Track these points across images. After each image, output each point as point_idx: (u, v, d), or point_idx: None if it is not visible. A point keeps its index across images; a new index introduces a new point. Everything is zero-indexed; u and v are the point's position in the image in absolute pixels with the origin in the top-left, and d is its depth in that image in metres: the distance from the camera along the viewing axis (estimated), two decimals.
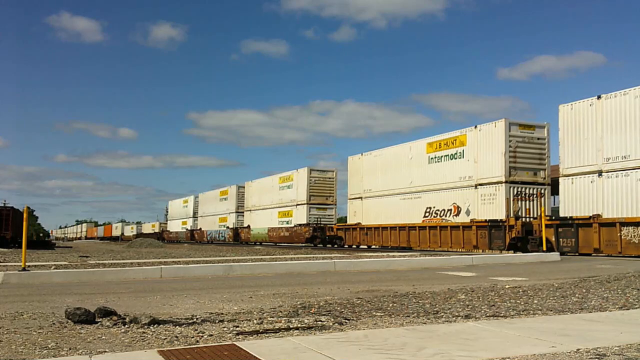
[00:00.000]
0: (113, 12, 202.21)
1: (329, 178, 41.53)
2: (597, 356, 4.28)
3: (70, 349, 4.85)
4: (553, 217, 22.08)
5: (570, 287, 9.46)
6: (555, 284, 9.92)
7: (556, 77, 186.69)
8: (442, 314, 6.74)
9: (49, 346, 4.95)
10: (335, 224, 39.05)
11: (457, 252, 24.73)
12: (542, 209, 21.01)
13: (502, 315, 6.59)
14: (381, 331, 5.54)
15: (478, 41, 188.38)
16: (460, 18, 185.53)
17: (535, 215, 22.92)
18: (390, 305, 7.56)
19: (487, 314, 6.65)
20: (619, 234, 18.95)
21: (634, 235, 18.55)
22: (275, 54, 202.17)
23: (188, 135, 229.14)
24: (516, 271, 13.80)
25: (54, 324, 6.15)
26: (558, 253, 19.13)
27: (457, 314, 6.70)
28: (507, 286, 9.74)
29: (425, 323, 6.03)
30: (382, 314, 6.74)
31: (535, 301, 7.80)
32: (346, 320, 6.23)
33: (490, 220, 24.03)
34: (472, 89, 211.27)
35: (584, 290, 8.89)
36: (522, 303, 7.63)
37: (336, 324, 5.99)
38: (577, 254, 20.12)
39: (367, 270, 14.72)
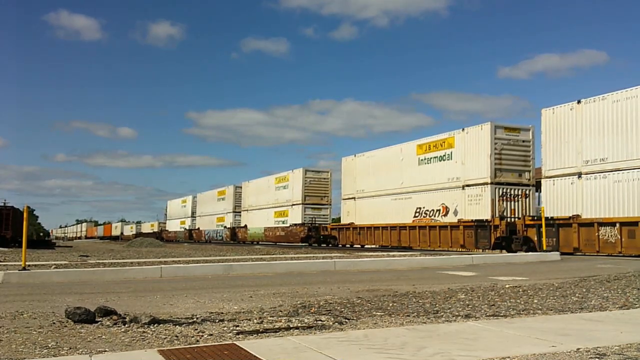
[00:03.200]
0: (112, 10, 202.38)
1: (324, 178, 41.92)
2: (597, 356, 4.28)
3: (70, 348, 4.85)
4: (535, 217, 22.67)
5: (571, 286, 9.46)
6: (556, 284, 9.92)
7: (558, 76, 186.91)
8: (442, 313, 6.74)
9: (49, 345, 4.95)
10: (329, 224, 39.48)
11: (447, 251, 25.12)
12: (542, 208, 21.03)
13: (502, 314, 6.59)
14: (381, 331, 5.54)
15: (480, 39, 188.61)
16: (463, 16, 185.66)
17: (519, 216, 23.48)
18: (390, 304, 7.56)
19: (487, 314, 6.65)
20: (596, 234, 19.55)
21: (611, 235, 19.14)
22: (275, 52, 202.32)
23: (188, 135, 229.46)
24: (516, 271, 13.80)
25: (54, 323, 6.15)
26: (558, 253, 19.17)
27: (457, 313, 6.70)
28: (507, 286, 9.75)
29: (425, 323, 6.03)
30: (382, 314, 6.74)
31: (535, 301, 7.80)
32: (346, 320, 6.23)
33: (476, 220, 24.52)
34: (473, 88, 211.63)
35: (584, 290, 8.89)
36: (522, 302, 7.63)
37: (336, 323, 5.99)
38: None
39: (367, 269, 14.72)
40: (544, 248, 19.60)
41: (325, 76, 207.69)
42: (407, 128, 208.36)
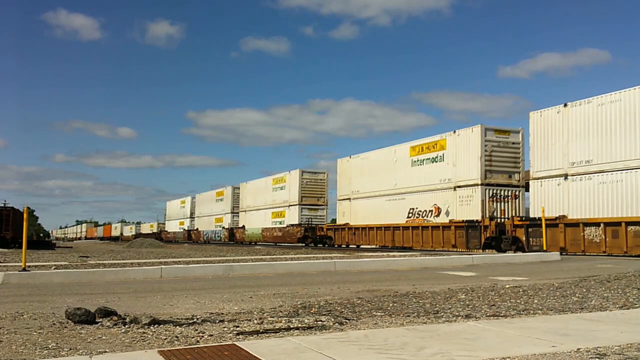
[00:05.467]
0: (110, 9, 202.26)
1: (320, 180, 42.34)
2: (598, 356, 4.28)
3: (70, 349, 4.85)
4: (524, 218, 23.21)
5: (571, 286, 9.46)
6: (556, 284, 9.92)
7: (560, 75, 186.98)
8: (443, 313, 6.74)
9: (50, 346, 4.94)
10: (325, 224, 39.89)
11: (440, 251, 25.41)
12: (542, 208, 21.07)
13: (502, 315, 6.59)
14: (381, 331, 5.54)
15: (481, 39, 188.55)
16: (466, 15, 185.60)
17: (509, 216, 24.05)
18: (391, 305, 7.56)
19: (488, 314, 6.65)
20: (582, 234, 20.11)
21: (596, 235, 19.74)
22: (275, 51, 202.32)
23: (187, 135, 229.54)
24: (516, 271, 13.80)
25: (54, 324, 6.15)
26: (558, 253, 19.24)
27: (457, 313, 6.70)
28: (507, 286, 9.75)
29: (425, 323, 6.03)
30: (383, 314, 6.74)
31: (536, 301, 7.80)
32: (346, 320, 6.23)
33: (467, 221, 25.01)
34: (474, 88, 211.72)
35: (584, 290, 8.89)
36: (523, 303, 7.63)
37: (336, 323, 5.99)
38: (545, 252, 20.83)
39: (367, 270, 14.72)
40: (544, 248, 19.65)
41: (325, 76, 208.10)
42: (407, 128, 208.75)
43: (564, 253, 20.27)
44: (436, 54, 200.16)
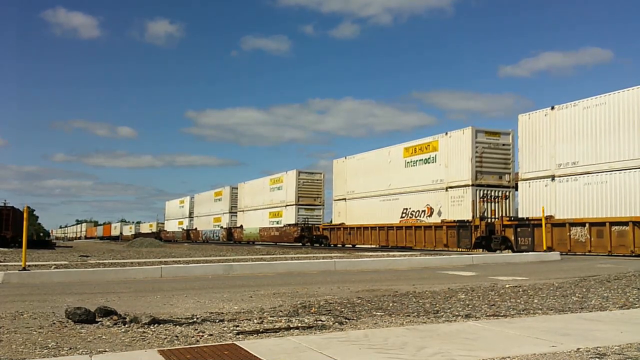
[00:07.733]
0: (109, 7, 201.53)
1: (317, 180, 42.74)
2: (598, 355, 4.28)
3: (70, 348, 4.85)
4: (512, 218, 23.71)
5: (571, 286, 9.46)
6: (556, 284, 9.92)
7: (562, 74, 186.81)
8: (443, 313, 6.74)
9: (50, 346, 4.95)
10: (322, 224, 40.24)
11: (434, 250, 25.60)
12: (542, 208, 21.09)
13: (502, 314, 6.59)
14: (381, 331, 5.54)
15: (482, 37, 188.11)
16: (468, 13, 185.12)
17: (499, 216, 24.54)
18: (391, 304, 7.56)
19: (488, 314, 6.65)
20: (568, 234, 20.57)
21: (581, 235, 20.25)
22: (275, 50, 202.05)
23: (187, 134, 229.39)
24: (516, 270, 13.81)
25: (54, 323, 6.15)
26: (558, 253, 19.26)
27: (457, 313, 6.70)
28: (507, 285, 9.75)
29: (425, 322, 6.03)
30: (383, 314, 6.74)
31: (536, 300, 7.80)
32: (346, 320, 6.23)
33: (458, 221, 25.43)
34: (474, 87, 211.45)
35: (584, 290, 8.89)
36: (522, 302, 7.63)
37: (336, 323, 5.99)
38: (533, 251, 21.30)
39: (367, 269, 14.73)
40: (544, 248, 19.66)
41: (325, 75, 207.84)
42: (408, 127, 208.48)
43: (563, 253, 20.37)
44: (437, 53, 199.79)
